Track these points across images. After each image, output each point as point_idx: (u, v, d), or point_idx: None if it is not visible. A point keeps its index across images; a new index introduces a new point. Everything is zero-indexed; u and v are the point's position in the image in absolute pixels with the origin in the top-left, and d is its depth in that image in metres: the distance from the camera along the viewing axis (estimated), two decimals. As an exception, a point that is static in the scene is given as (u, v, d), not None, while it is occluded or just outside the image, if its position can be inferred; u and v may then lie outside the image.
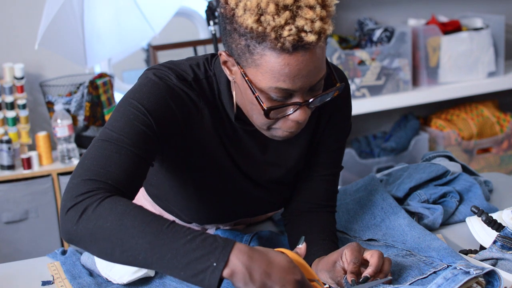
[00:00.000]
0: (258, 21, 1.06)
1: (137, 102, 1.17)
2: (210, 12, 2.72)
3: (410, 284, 1.19)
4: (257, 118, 1.18)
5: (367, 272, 1.15)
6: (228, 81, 1.24)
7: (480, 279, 1.09)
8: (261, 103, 1.12)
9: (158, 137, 1.18)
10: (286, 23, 1.06)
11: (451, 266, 1.20)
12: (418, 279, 1.20)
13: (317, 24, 1.07)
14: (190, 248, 0.98)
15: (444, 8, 3.28)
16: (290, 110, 1.14)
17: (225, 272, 0.97)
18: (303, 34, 1.06)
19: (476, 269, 1.04)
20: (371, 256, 1.18)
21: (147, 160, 1.16)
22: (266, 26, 1.06)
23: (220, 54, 1.18)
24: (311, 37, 1.06)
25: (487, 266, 1.17)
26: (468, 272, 1.04)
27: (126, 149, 1.12)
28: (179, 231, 1.01)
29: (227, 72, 1.19)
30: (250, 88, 1.13)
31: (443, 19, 3.16)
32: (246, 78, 1.12)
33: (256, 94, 1.12)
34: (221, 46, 2.85)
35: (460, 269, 1.05)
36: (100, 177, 1.08)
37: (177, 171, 1.30)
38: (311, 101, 1.14)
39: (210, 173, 1.31)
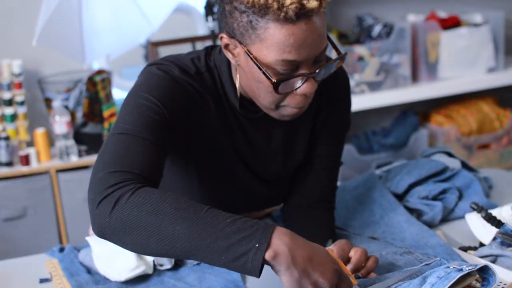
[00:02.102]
0: None
1: (148, 94, 1.17)
2: (209, 8, 2.71)
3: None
4: (265, 97, 1.17)
5: None
6: (230, 70, 1.24)
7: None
8: (270, 77, 1.12)
9: (171, 127, 1.17)
10: None
11: (443, 260, 1.20)
12: (409, 269, 1.19)
13: None
14: (230, 231, 0.97)
15: (444, 4, 3.27)
16: (298, 83, 1.14)
17: (268, 254, 0.96)
18: (304, 1, 1.08)
19: (469, 266, 1.05)
20: (354, 252, 1.17)
21: (166, 149, 1.16)
22: None
23: (221, 38, 1.18)
24: (313, 3, 1.08)
25: (481, 262, 1.17)
26: (461, 269, 1.04)
27: (144, 139, 1.12)
28: (217, 215, 0.99)
29: (229, 56, 1.19)
30: (256, 65, 1.12)
31: (443, 14, 3.15)
32: (251, 56, 1.12)
33: (264, 69, 1.12)
34: (220, 43, 2.84)
35: (454, 267, 1.05)
36: (126, 168, 1.07)
37: (182, 163, 1.30)
38: (317, 72, 1.14)
39: (215, 165, 1.31)
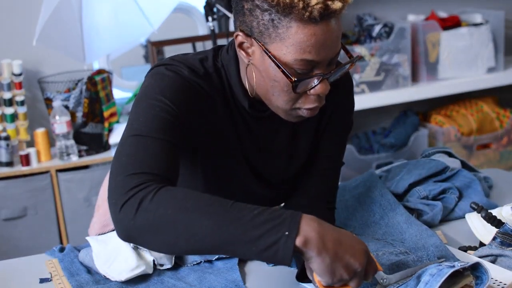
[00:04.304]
0: None
1: (160, 95, 1.17)
2: (209, 7, 2.71)
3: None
4: (279, 96, 1.18)
5: None
6: (238, 70, 1.24)
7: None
8: (289, 76, 1.12)
9: (183, 127, 1.18)
10: None
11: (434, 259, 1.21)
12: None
13: None
14: (259, 222, 0.97)
15: (444, 4, 3.27)
16: (313, 83, 1.15)
17: (298, 240, 0.96)
18: (329, 2, 1.09)
19: (461, 263, 1.05)
20: None
21: (180, 148, 1.16)
22: None
23: (236, 36, 1.18)
24: (337, 4, 1.09)
25: (473, 259, 1.17)
26: (453, 266, 1.04)
27: (160, 140, 1.12)
28: (244, 208, 1.00)
29: (242, 54, 1.19)
30: (276, 64, 1.12)
31: (443, 14, 3.15)
32: (270, 54, 1.12)
33: (283, 68, 1.12)
34: (220, 42, 2.84)
35: (446, 265, 1.06)
36: (145, 169, 1.06)
37: (188, 163, 1.30)
38: (332, 73, 1.16)
39: (220, 165, 1.31)
